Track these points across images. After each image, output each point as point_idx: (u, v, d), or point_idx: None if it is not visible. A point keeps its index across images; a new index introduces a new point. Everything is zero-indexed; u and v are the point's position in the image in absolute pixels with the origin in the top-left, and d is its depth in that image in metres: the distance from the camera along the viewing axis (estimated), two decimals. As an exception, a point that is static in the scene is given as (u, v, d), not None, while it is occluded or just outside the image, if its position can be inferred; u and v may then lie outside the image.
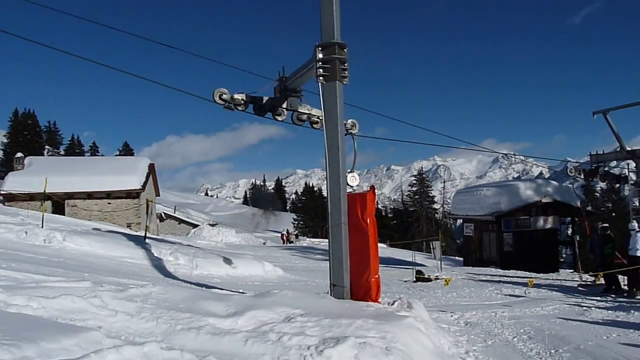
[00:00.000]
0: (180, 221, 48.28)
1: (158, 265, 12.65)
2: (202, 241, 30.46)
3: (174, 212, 49.59)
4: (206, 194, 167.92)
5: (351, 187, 8.14)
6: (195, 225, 44.45)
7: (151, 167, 36.09)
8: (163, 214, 46.10)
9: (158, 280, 9.55)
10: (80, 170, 32.89)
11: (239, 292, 8.39)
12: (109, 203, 31.78)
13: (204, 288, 9.13)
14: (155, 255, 13.44)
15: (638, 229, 14.23)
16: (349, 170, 8.39)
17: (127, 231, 23.01)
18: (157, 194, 39.17)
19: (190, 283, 10.37)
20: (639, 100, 21.44)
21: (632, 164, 20.77)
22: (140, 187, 32.07)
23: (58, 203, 29.37)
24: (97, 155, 68.91)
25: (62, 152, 70.37)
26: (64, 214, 28.97)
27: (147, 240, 15.24)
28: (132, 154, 67.41)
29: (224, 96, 9.14)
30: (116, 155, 66.56)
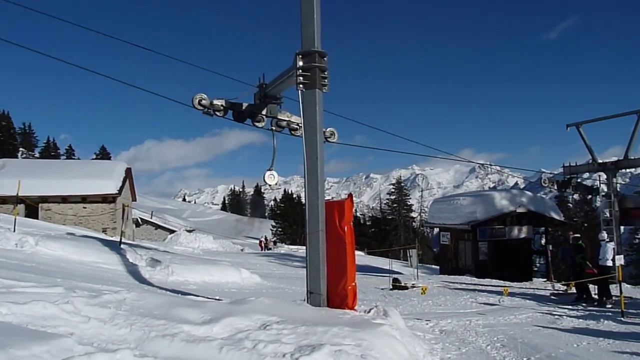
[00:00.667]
0: (157, 227, 47.75)
1: (133, 271, 12.48)
2: (178, 247, 30.16)
3: (151, 218, 49.07)
4: (184, 200, 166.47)
5: (269, 185, 8.30)
6: (172, 231, 44.01)
7: (128, 171, 35.63)
8: (139, 219, 45.54)
9: (133, 287, 9.43)
10: (55, 174, 32.27)
11: (215, 299, 8.33)
12: (84, 207, 31.22)
13: (179, 295, 9.05)
14: (131, 261, 13.27)
15: (608, 239, 14.59)
16: (268, 168, 8.47)
17: (102, 236, 22.65)
18: (134, 199, 38.67)
19: (166, 289, 10.26)
20: (611, 114, 22.07)
21: (604, 176, 21.29)
22: (117, 192, 31.61)
23: (31, 207, 28.75)
24: (73, 159, 67.74)
25: (37, 155, 69.09)
26: (37, 218, 28.36)
27: (122, 246, 15.02)
28: (109, 158, 66.52)
29: (203, 102, 9.13)
30: (93, 159, 65.57)
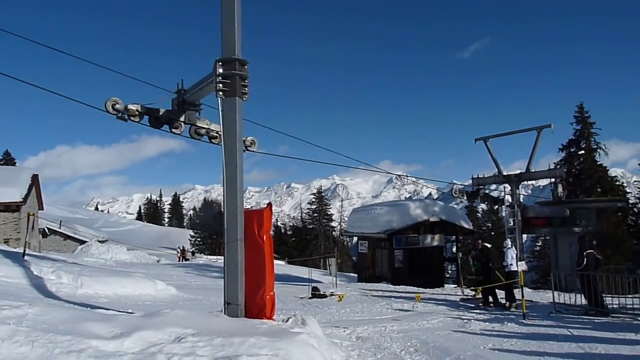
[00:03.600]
0: (66, 237, 45.03)
1: (38, 284, 11.66)
2: (89, 259, 28.57)
3: (59, 228, 46.14)
4: (96, 209, 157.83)
5: None
6: (82, 242, 41.63)
7: (35, 178, 33.34)
8: (47, 229, 42.72)
9: (36, 301, 8.82)
10: (-51, 180, 29.59)
11: (127, 312, 7.99)
12: (-17, 217, 28.83)
13: (88, 308, 8.59)
14: (35, 273, 12.39)
15: (510, 246, 15.61)
16: None
17: (4, 247, 21.03)
18: (41, 208, 36.20)
19: (74, 303, 9.69)
20: (515, 129, 23.73)
21: (508, 188, 22.80)
22: (21, 200, 29.47)
23: None
24: (-30, 164, 62.19)
25: None
26: None
27: (26, 258, 14.03)
28: (13, 164, 61.50)
29: (117, 106, 8.78)
30: (-6, 164, 60.52)
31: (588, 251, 13.09)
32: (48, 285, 11.75)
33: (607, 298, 13.16)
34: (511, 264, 14.74)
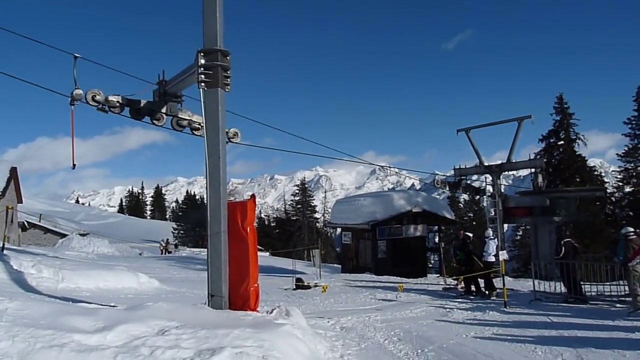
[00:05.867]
0: (46, 230, 44.39)
1: (17, 278, 11.49)
2: (71, 252, 28.21)
3: (39, 221, 45.48)
4: (77, 202, 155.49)
5: None
6: (63, 235, 41.09)
7: (13, 171, 32.78)
8: (26, 223, 42.07)
9: (17, 295, 8.70)
10: None
11: (110, 306, 7.92)
12: (-41, 210, 28.25)
13: (70, 302, 8.50)
14: (15, 267, 12.19)
15: (492, 237, 15.79)
16: None
17: (-19, 242, 20.65)
18: (20, 201, 35.65)
19: (55, 297, 9.59)
20: (496, 120, 23.93)
21: (490, 178, 23.05)
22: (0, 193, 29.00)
23: None
24: (-55, 157, 60.82)
25: None
26: None
27: (5, 252, 13.84)
28: (-10, 156, 60.45)
29: (98, 97, 8.68)
30: (-31, 157, 59.27)
31: (565, 240, 13.34)
32: (28, 279, 11.59)
33: (585, 286, 13.43)
34: (489, 254, 14.94)
